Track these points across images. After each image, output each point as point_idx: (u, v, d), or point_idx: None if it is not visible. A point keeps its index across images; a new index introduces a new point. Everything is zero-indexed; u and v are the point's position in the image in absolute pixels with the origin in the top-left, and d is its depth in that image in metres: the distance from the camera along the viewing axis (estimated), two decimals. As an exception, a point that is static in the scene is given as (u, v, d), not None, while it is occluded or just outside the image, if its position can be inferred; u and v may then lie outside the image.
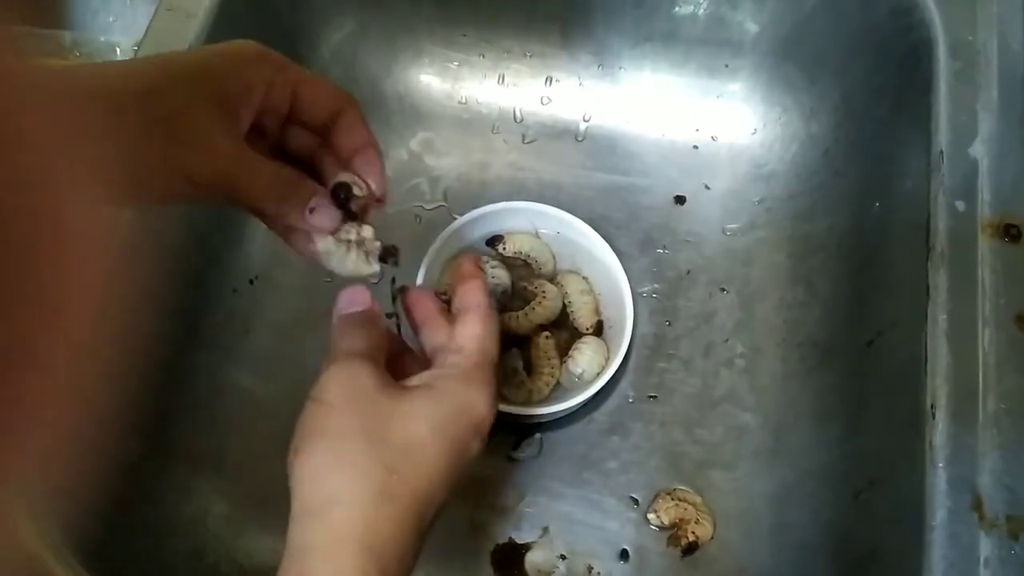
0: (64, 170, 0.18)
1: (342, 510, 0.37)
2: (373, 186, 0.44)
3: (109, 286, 0.19)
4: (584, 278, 0.64)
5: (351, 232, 0.44)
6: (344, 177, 0.44)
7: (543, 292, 0.62)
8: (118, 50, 0.60)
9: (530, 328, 0.61)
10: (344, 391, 0.40)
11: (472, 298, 0.45)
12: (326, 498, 0.38)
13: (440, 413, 0.40)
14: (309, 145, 0.45)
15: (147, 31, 0.58)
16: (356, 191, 0.43)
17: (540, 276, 0.64)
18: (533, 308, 0.61)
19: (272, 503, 0.59)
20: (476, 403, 0.41)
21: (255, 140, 0.42)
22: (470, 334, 0.43)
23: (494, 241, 0.64)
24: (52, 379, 0.18)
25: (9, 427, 0.17)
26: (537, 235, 0.65)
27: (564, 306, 0.63)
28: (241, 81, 0.40)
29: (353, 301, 0.45)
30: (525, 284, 0.64)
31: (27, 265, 0.16)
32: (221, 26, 0.60)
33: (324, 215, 0.43)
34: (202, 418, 0.61)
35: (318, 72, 0.70)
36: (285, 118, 0.43)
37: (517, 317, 0.61)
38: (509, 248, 0.64)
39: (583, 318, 0.63)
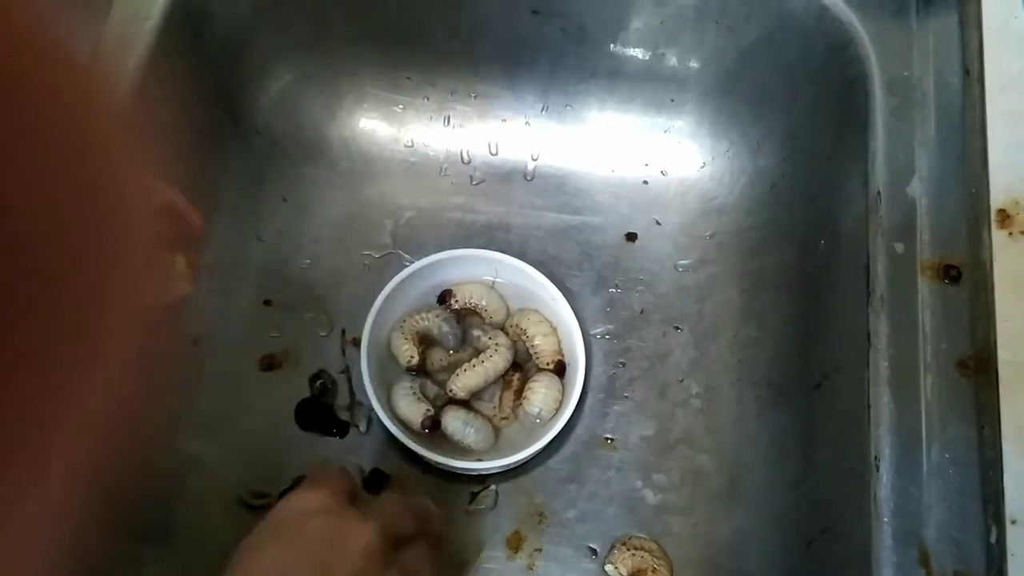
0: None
1: None
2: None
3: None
4: (541, 315, 0.63)
5: None
6: None
7: (496, 344, 0.61)
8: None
9: (481, 383, 0.60)
10: None
11: None
12: None
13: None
14: None
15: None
16: None
17: (492, 324, 0.64)
18: (482, 362, 0.60)
19: (221, 569, 0.58)
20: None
21: None
22: None
23: (445, 297, 0.63)
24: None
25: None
26: (491, 284, 0.64)
27: (524, 345, 0.63)
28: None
29: None
30: (479, 333, 0.63)
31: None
32: (151, 85, 0.58)
33: None
34: (145, 485, 0.59)
35: (261, 121, 0.69)
36: None
37: (464, 373, 0.60)
38: (460, 300, 0.63)
39: (545, 356, 0.62)
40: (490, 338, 0.62)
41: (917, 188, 0.51)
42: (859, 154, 0.54)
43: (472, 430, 0.60)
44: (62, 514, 0.18)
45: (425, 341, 0.63)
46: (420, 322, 0.62)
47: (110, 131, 0.18)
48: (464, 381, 0.60)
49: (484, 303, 0.63)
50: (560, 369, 0.61)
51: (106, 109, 0.18)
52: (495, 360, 0.61)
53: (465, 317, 0.64)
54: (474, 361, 0.61)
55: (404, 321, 0.62)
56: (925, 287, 0.48)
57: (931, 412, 0.46)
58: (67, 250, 0.16)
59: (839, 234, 0.56)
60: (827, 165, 0.59)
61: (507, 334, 0.63)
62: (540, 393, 0.61)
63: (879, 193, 0.51)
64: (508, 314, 0.64)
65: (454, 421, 0.60)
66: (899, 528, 0.44)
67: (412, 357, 0.60)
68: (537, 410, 0.60)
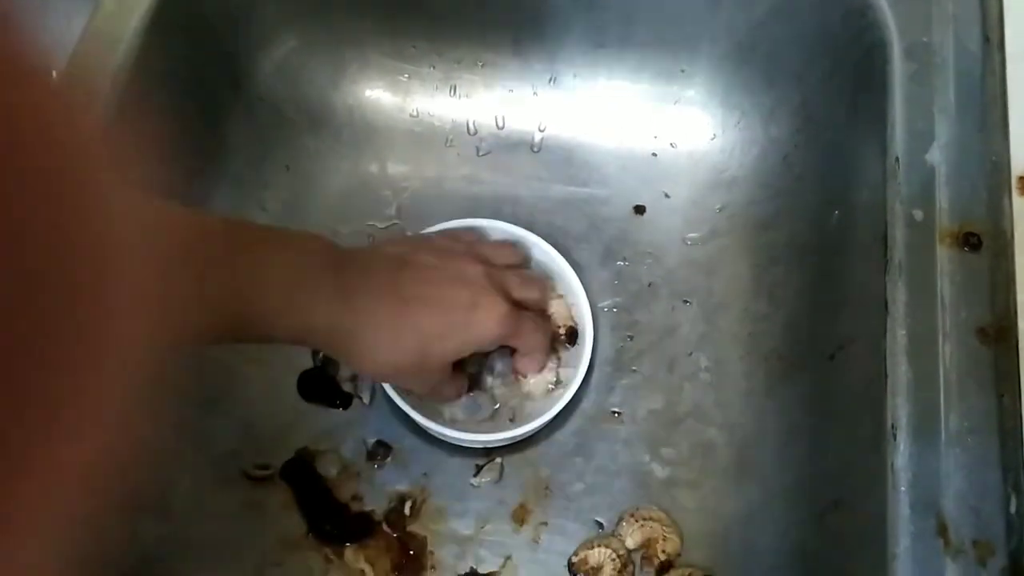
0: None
1: None
2: None
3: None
4: (554, 285, 0.62)
5: None
6: None
7: None
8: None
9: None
10: None
11: None
12: None
13: None
14: None
15: (72, 55, 0.56)
16: None
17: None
18: None
19: (223, 540, 0.58)
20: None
21: None
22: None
23: None
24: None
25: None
26: None
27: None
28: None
29: None
30: None
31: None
32: (153, 50, 0.57)
33: None
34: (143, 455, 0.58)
35: (264, 88, 0.68)
36: None
37: None
38: None
39: (558, 319, 0.61)
40: None
41: (936, 155, 0.50)
42: (876, 121, 0.53)
43: (478, 406, 0.59)
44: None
45: None
46: None
47: (88, 154, 0.17)
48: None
49: None
50: (572, 335, 0.60)
51: (82, 132, 0.17)
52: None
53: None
54: None
55: None
56: (944, 255, 0.47)
57: (949, 381, 0.45)
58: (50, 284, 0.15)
59: (854, 204, 0.55)
60: (842, 134, 0.58)
61: None
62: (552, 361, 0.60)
63: (897, 160, 0.50)
64: None
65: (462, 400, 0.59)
66: (916, 498, 0.43)
67: None
68: (546, 380, 0.60)
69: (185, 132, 0.64)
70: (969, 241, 0.47)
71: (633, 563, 0.57)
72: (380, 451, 0.61)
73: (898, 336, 0.46)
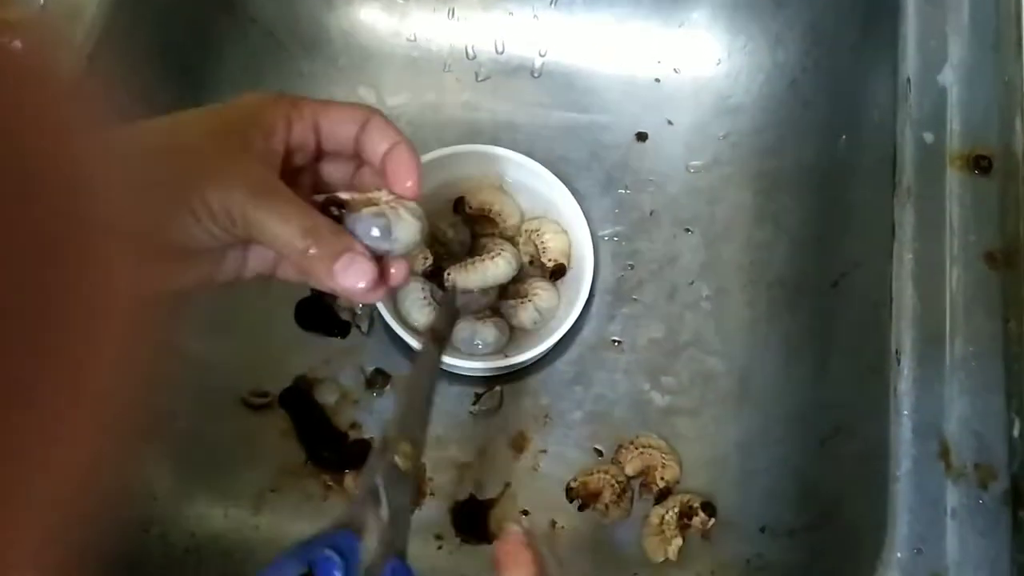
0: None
1: None
2: (409, 184, 0.42)
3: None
4: (558, 224, 0.61)
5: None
6: (342, 194, 0.41)
7: (501, 250, 0.59)
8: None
9: (477, 282, 0.58)
10: None
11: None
12: None
13: None
14: (344, 175, 0.44)
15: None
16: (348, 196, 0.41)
17: (505, 229, 0.61)
18: (483, 261, 0.58)
19: (222, 468, 0.58)
20: None
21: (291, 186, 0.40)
22: None
23: (457, 204, 0.61)
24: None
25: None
26: (502, 188, 0.62)
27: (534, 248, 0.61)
28: (262, 125, 0.40)
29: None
30: (486, 242, 0.61)
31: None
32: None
33: (355, 273, 0.39)
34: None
35: (257, 9, 0.66)
36: (315, 155, 0.43)
37: (464, 268, 0.58)
38: (474, 206, 0.61)
39: (551, 252, 0.60)
40: (496, 244, 0.60)
41: (949, 76, 0.48)
42: (888, 42, 0.51)
43: (480, 339, 0.58)
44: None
45: (434, 244, 0.61)
46: (429, 227, 0.60)
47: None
48: (460, 274, 0.58)
49: (497, 208, 0.61)
50: (558, 272, 0.59)
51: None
52: (497, 263, 0.59)
53: (478, 223, 0.62)
54: (475, 259, 0.59)
55: None
56: (954, 178, 0.46)
57: (956, 305, 0.44)
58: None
59: (863, 127, 0.53)
60: (852, 56, 0.57)
61: (516, 244, 0.61)
62: (548, 291, 0.59)
63: (909, 81, 0.48)
64: (523, 219, 0.62)
65: (463, 331, 0.58)
66: (919, 422, 0.43)
67: (427, 259, 0.58)
68: (545, 308, 0.59)
69: (177, 55, 0.62)
70: (979, 164, 0.46)
71: (632, 490, 0.57)
72: (379, 379, 0.60)
73: (905, 261, 0.45)
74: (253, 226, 0.38)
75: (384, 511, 0.39)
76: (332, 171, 0.44)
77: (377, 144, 0.42)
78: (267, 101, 0.41)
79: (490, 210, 0.61)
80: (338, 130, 0.42)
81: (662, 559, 0.55)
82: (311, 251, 0.38)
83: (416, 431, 0.43)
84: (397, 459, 0.40)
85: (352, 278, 0.39)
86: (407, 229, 0.41)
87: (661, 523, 0.56)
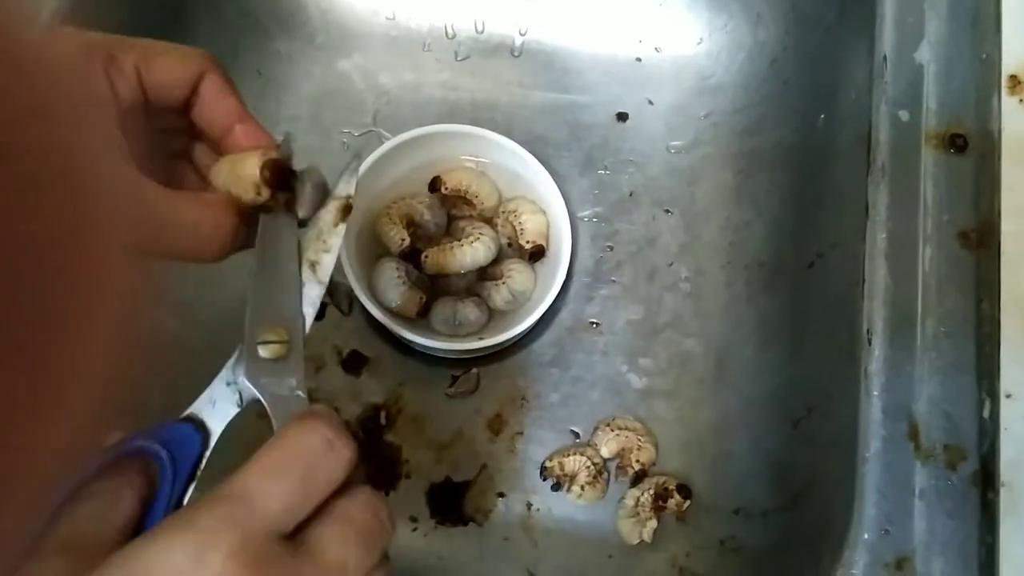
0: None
1: None
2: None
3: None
4: (536, 205, 0.61)
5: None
6: (270, 154, 0.36)
7: (479, 234, 0.59)
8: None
9: (455, 266, 0.58)
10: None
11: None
12: None
13: None
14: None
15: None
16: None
17: (483, 211, 0.61)
18: (462, 245, 0.58)
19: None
20: None
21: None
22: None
23: (435, 183, 0.60)
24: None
25: None
26: (479, 168, 0.61)
27: (511, 229, 0.60)
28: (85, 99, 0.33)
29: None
30: (464, 225, 0.60)
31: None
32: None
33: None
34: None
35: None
36: (144, 109, 0.36)
37: (441, 252, 0.58)
38: (450, 186, 0.61)
39: (529, 234, 0.59)
40: (474, 228, 0.60)
41: (926, 53, 0.48)
42: (866, 19, 0.51)
43: (460, 318, 0.58)
44: None
45: (411, 225, 0.60)
46: (405, 207, 0.60)
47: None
48: (436, 258, 0.58)
49: (474, 189, 0.60)
50: (537, 253, 0.59)
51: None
52: (476, 247, 0.58)
53: (454, 204, 0.61)
54: (454, 243, 0.58)
55: (391, 206, 0.59)
56: (929, 157, 0.46)
57: (928, 285, 0.44)
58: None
59: (840, 106, 0.53)
60: (831, 35, 0.56)
61: (495, 227, 0.60)
62: (523, 274, 0.59)
63: (885, 58, 0.48)
64: (500, 200, 0.61)
65: (442, 311, 0.58)
66: (889, 403, 0.42)
67: (404, 240, 0.58)
68: (519, 291, 0.58)
69: (149, 33, 0.62)
70: (955, 143, 0.46)
71: (608, 472, 0.57)
72: (356, 361, 0.60)
73: (878, 240, 0.45)
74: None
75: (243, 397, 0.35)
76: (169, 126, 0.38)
77: (211, 110, 0.37)
78: (79, 57, 0.33)
79: (467, 191, 0.60)
80: (167, 83, 0.35)
81: (637, 541, 0.55)
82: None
83: (286, 311, 0.36)
84: (261, 350, 0.35)
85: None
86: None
87: (636, 505, 0.55)
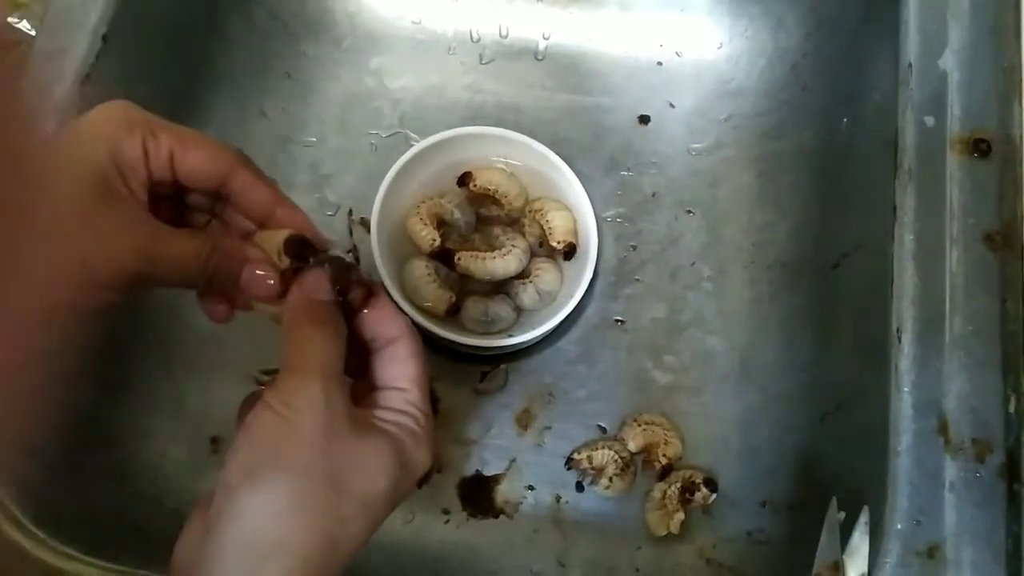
0: None
1: (288, 559, 0.33)
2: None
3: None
4: (561, 203, 0.62)
5: None
6: (291, 232, 0.39)
7: (513, 246, 0.60)
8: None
9: (485, 275, 0.59)
10: (316, 419, 0.34)
11: (394, 328, 0.39)
12: (276, 541, 0.33)
13: (400, 471, 0.36)
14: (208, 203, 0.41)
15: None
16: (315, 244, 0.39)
17: (511, 211, 0.62)
18: (495, 258, 0.59)
19: (229, 442, 0.58)
20: (424, 463, 0.37)
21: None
22: (413, 376, 0.39)
23: (464, 179, 0.62)
24: None
25: None
26: (508, 171, 0.63)
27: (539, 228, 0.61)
28: (118, 161, 0.36)
29: (318, 287, 0.38)
30: (499, 233, 0.61)
31: None
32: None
33: (263, 280, 0.38)
34: (159, 361, 0.59)
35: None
36: (174, 185, 0.39)
37: (475, 259, 0.59)
38: (480, 183, 0.62)
39: (558, 234, 0.61)
40: (508, 239, 0.61)
41: (949, 61, 0.49)
42: (889, 27, 0.52)
43: (492, 315, 0.59)
44: None
45: (441, 225, 0.61)
46: (435, 207, 0.61)
47: None
48: (468, 263, 0.59)
49: (504, 188, 0.62)
50: (569, 251, 0.60)
51: None
52: (508, 260, 0.59)
53: (482, 203, 0.63)
54: (486, 254, 0.59)
55: (420, 205, 0.61)
56: (954, 161, 0.47)
57: (955, 285, 0.45)
58: None
59: (864, 111, 0.54)
60: (852, 41, 0.58)
61: (522, 226, 0.62)
62: (550, 273, 0.60)
63: (910, 65, 0.49)
64: (527, 201, 0.63)
65: (474, 309, 0.59)
66: (919, 398, 0.44)
67: (434, 240, 0.59)
68: (546, 290, 0.60)
69: (184, 37, 0.63)
70: (979, 147, 0.47)
71: (635, 465, 0.59)
72: (386, 358, 0.61)
73: (906, 241, 0.46)
74: (150, 277, 0.36)
75: None
76: (194, 202, 0.40)
77: (246, 199, 0.39)
78: (120, 128, 0.36)
79: (496, 190, 0.62)
80: (197, 177, 0.38)
81: (664, 533, 0.56)
82: (216, 277, 0.37)
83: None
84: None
85: (261, 287, 0.38)
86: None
87: (663, 498, 0.57)
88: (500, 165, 0.63)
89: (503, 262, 0.59)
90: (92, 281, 0.34)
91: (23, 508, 0.43)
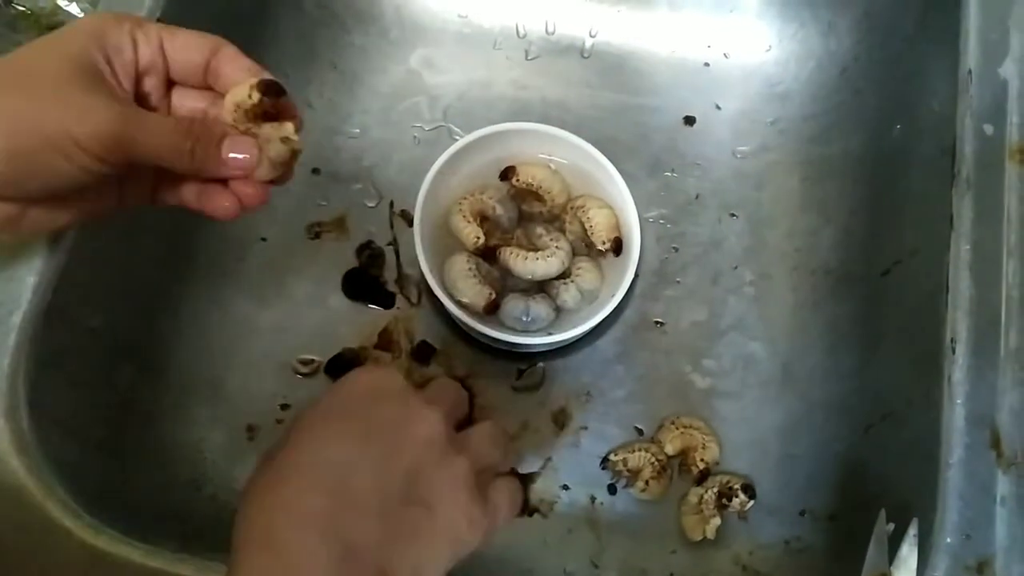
0: None
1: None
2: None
3: None
4: (603, 201, 0.61)
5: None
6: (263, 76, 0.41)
7: (556, 247, 0.60)
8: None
9: (526, 274, 0.59)
10: None
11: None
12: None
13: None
14: (198, 105, 0.43)
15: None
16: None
17: (553, 207, 0.62)
18: (537, 259, 0.59)
19: (268, 430, 0.59)
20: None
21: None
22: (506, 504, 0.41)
23: (507, 173, 0.61)
24: None
25: None
26: (552, 167, 0.62)
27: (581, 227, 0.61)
28: (107, 47, 0.39)
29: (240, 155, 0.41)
30: (542, 233, 0.61)
31: None
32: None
33: (242, 147, 0.40)
34: (198, 345, 0.59)
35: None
36: (166, 81, 0.42)
37: (518, 257, 0.58)
38: (523, 179, 0.61)
39: (602, 232, 0.60)
40: (552, 239, 0.60)
41: (1010, 69, 0.49)
42: (947, 35, 0.52)
43: (532, 315, 0.59)
44: None
45: (484, 221, 0.61)
46: (477, 203, 0.61)
47: None
48: (508, 260, 0.58)
49: (547, 185, 0.61)
50: (618, 247, 0.60)
51: None
52: (551, 262, 0.59)
53: (524, 199, 0.62)
54: (529, 254, 0.59)
55: (462, 202, 0.60)
56: (1013, 171, 0.47)
57: (1012, 297, 0.45)
58: None
59: (919, 117, 0.54)
60: (906, 47, 0.57)
61: (563, 223, 0.61)
62: (591, 272, 0.60)
63: (970, 72, 0.49)
64: (569, 198, 0.62)
65: (514, 307, 0.59)
66: (972, 411, 0.43)
67: (478, 238, 0.59)
68: (588, 289, 0.59)
69: (235, 27, 0.63)
70: (1039, 158, 0.47)
71: (672, 469, 0.58)
72: (424, 352, 0.61)
73: (962, 251, 0.46)
74: (130, 146, 0.37)
75: None
76: (183, 100, 0.43)
77: (227, 72, 0.41)
78: (109, 22, 0.40)
79: (539, 186, 0.61)
80: (185, 56, 0.41)
81: (700, 538, 0.56)
82: (196, 150, 0.39)
83: None
84: None
85: (241, 152, 0.40)
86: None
87: (700, 502, 0.56)
88: (544, 161, 0.63)
89: (545, 263, 0.59)
90: (77, 147, 0.36)
91: (66, 486, 0.43)
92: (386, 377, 0.40)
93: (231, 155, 0.40)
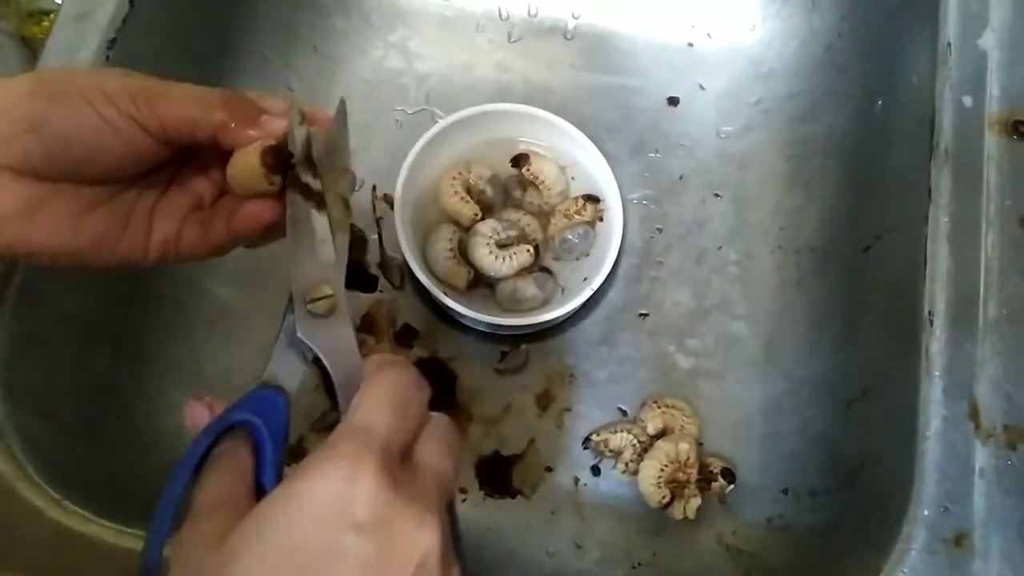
0: None
1: None
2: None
3: None
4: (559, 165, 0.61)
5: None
6: (268, 141, 0.37)
7: (516, 252, 0.59)
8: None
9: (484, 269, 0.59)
10: None
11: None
12: None
13: None
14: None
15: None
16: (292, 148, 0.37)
17: (549, 198, 0.61)
18: (497, 258, 0.58)
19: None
20: None
21: None
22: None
23: (519, 160, 0.61)
24: None
25: None
26: (562, 166, 0.62)
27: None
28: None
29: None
30: (518, 219, 0.61)
31: None
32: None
33: (278, 125, 0.37)
34: (178, 330, 0.59)
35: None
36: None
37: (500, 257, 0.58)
38: (532, 169, 0.61)
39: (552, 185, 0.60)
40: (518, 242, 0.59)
41: (989, 40, 0.48)
42: (927, 6, 0.51)
43: (520, 294, 0.58)
44: None
45: (473, 195, 0.61)
46: (467, 180, 0.60)
47: None
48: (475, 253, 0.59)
49: (550, 183, 0.61)
50: (593, 198, 0.60)
51: None
52: (511, 262, 0.59)
53: (526, 188, 0.62)
54: (502, 252, 0.58)
55: (453, 180, 0.60)
56: (992, 142, 0.46)
57: (990, 269, 0.44)
58: None
59: (899, 91, 0.53)
60: (889, 21, 0.56)
61: (550, 219, 0.61)
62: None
63: (949, 45, 0.48)
64: (566, 198, 0.62)
65: (505, 287, 0.58)
66: (950, 383, 0.43)
67: (476, 214, 0.59)
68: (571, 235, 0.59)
69: (214, 9, 0.63)
70: (1018, 129, 0.46)
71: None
72: (407, 334, 0.61)
73: (940, 223, 0.45)
74: (164, 105, 0.36)
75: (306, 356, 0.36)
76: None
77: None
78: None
79: (543, 181, 0.61)
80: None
81: (680, 517, 0.55)
82: (232, 122, 0.37)
83: (326, 269, 0.38)
84: (312, 308, 0.36)
85: (277, 126, 0.38)
86: None
87: (659, 474, 0.55)
88: (539, 151, 0.62)
89: (507, 264, 0.58)
90: (106, 98, 0.35)
91: (39, 468, 0.43)
92: (354, 486, 0.28)
93: (269, 128, 0.37)
